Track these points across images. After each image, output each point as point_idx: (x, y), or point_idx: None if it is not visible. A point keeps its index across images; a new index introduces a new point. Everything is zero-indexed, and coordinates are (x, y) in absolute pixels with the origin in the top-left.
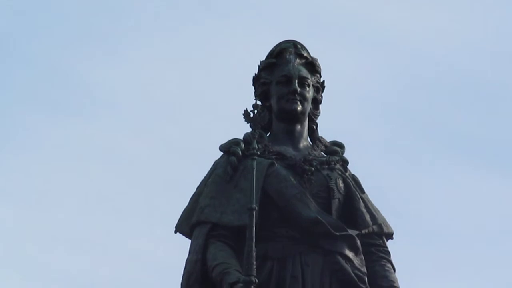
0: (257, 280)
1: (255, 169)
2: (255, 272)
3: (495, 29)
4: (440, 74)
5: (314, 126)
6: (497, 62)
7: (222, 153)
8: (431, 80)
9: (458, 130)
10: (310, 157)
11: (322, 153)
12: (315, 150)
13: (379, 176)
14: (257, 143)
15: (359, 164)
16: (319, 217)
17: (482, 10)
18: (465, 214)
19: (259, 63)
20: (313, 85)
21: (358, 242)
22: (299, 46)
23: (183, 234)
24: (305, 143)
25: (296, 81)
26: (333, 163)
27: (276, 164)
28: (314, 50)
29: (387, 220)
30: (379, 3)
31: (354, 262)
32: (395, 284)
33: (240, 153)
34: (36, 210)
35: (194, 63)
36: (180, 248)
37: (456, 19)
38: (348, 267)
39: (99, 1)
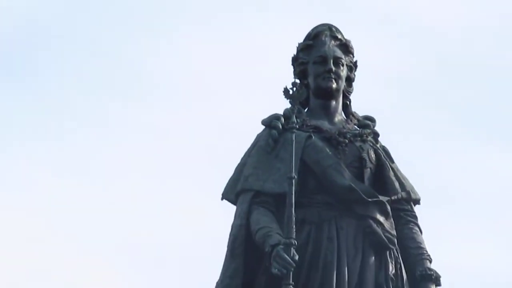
0: (296, 242)
1: (294, 142)
2: (294, 235)
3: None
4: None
5: (348, 102)
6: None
7: (264, 127)
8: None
9: (483, 109)
10: (344, 130)
11: (355, 126)
12: (348, 124)
13: (407, 147)
14: (296, 117)
15: (389, 136)
16: (353, 185)
17: None
18: (485, 184)
19: (297, 45)
20: (346, 65)
21: (388, 207)
22: (333, 29)
23: (229, 201)
24: (339, 117)
25: (331, 61)
26: (365, 135)
27: (313, 137)
28: (347, 33)
29: (415, 187)
30: None
31: (385, 225)
32: (421, 245)
33: (281, 127)
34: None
35: (239, 47)
36: (226, 213)
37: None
38: (379, 230)
39: None
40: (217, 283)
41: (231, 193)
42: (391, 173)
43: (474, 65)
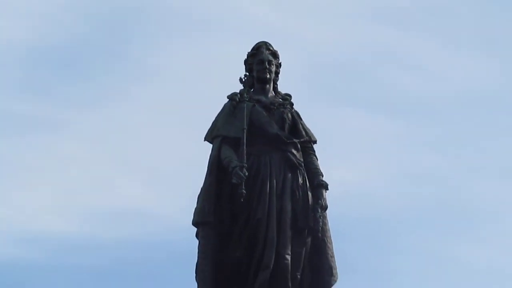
0: (246, 165)
1: (245, 108)
2: (245, 161)
3: None
4: None
5: (276, 86)
6: None
7: (228, 99)
8: None
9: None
10: (274, 101)
11: (280, 99)
12: (276, 98)
13: (313, 115)
14: (246, 94)
15: (299, 106)
16: (278, 133)
17: None
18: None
19: (247, 54)
20: (275, 64)
21: (299, 145)
22: (267, 44)
23: (208, 142)
24: (271, 94)
25: (267, 62)
26: (285, 104)
27: (256, 106)
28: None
29: (314, 133)
30: None
31: (297, 156)
32: (317, 167)
33: (238, 99)
34: None
35: (214, 58)
36: (207, 149)
37: None
38: (293, 158)
39: None
40: (201, 188)
41: (209, 137)
42: (300, 126)
43: None
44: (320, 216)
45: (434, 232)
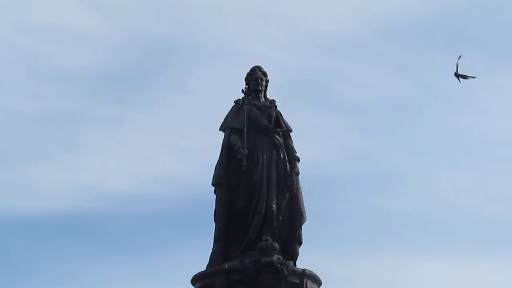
0: (246, 146)
1: (245, 109)
2: (246, 143)
3: None
4: None
5: (266, 94)
6: None
7: (234, 103)
8: None
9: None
10: (264, 104)
11: (268, 103)
12: (265, 102)
13: (289, 113)
14: (246, 100)
15: (280, 107)
16: (267, 125)
17: None
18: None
19: (246, 74)
20: (265, 80)
21: (280, 133)
22: (260, 67)
23: (222, 131)
24: (262, 99)
25: (259, 79)
26: (272, 106)
27: (252, 107)
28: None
29: (290, 125)
30: None
31: (279, 140)
32: (293, 147)
33: (240, 103)
34: None
35: (226, 77)
36: (221, 136)
37: None
38: (277, 141)
39: None
40: (217, 160)
41: (222, 128)
42: (281, 120)
43: None
44: (294, 179)
45: (365, 186)
